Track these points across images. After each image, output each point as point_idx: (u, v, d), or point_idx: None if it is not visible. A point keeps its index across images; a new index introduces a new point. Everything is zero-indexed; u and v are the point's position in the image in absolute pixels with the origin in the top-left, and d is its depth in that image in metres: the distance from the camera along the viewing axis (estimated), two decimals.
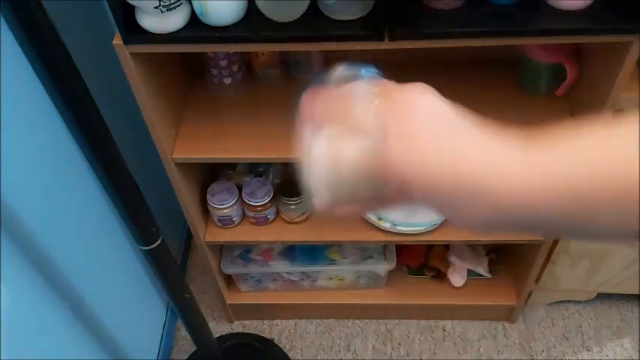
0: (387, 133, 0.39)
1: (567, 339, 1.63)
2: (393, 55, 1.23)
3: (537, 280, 1.51)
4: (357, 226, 1.34)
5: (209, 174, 1.39)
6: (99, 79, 0.96)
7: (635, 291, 1.58)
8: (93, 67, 0.93)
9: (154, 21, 0.87)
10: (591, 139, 0.35)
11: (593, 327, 1.65)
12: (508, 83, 1.20)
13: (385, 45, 0.89)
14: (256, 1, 0.88)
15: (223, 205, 1.31)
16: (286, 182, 1.35)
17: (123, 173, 0.85)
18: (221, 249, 1.52)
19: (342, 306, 1.64)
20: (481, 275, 1.60)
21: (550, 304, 1.68)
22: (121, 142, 0.82)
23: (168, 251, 1.02)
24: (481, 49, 0.93)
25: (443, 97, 0.42)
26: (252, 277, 1.58)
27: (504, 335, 1.64)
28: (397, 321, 1.68)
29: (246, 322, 1.70)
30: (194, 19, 0.88)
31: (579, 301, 1.68)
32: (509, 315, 1.64)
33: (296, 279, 1.58)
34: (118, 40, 0.89)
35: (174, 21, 0.87)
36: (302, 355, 1.63)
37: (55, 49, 0.66)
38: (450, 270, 1.59)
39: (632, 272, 1.49)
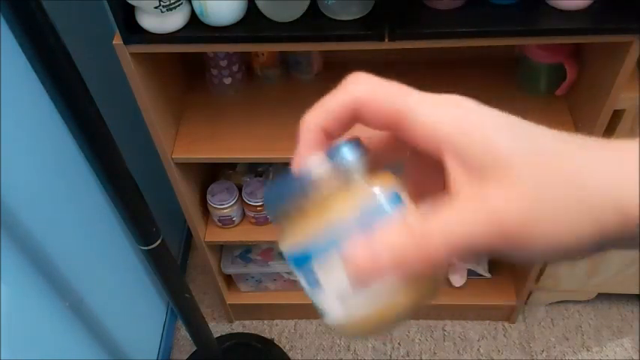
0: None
1: (567, 339, 1.63)
2: (393, 55, 1.23)
3: (537, 280, 1.51)
4: None
5: (209, 174, 1.39)
6: (99, 79, 0.96)
7: (635, 291, 1.58)
8: (93, 67, 0.93)
9: (153, 21, 0.87)
10: None
11: (593, 327, 1.65)
12: (508, 83, 1.20)
13: (385, 45, 0.89)
14: (256, 1, 0.88)
15: (223, 205, 1.31)
16: None
17: (123, 173, 0.85)
18: (221, 249, 1.52)
19: None
20: (481, 275, 1.60)
21: (550, 304, 1.68)
22: (121, 142, 0.82)
23: (168, 251, 1.02)
24: (481, 49, 0.93)
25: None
26: (252, 277, 1.58)
27: (504, 335, 1.64)
28: None
29: (246, 322, 1.70)
30: (194, 19, 0.88)
31: (579, 301, 1.68)
32: (509, 315, 1.64)
33: (296, 279, 1.58)
34: (118, 40, 0.89)
35: (174, 21, 0.87)
36: (302, 355, 1.63)
37: (55, 49, 0.66)
38: (449, 270, 1.59)
39: (632, 272, 1.49)
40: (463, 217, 0.27)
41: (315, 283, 0.29)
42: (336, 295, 0.28)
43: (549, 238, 0.26)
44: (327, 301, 0.28)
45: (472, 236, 0.26)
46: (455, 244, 0.26)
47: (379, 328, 0.29)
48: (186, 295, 1.15)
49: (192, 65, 1.23)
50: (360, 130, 0.31)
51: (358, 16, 0.89)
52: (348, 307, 0.28)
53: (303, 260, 0.29)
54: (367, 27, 0.88)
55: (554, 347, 1.62)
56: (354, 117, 0.30)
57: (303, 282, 0.29)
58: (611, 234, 0.26)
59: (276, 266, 1.50)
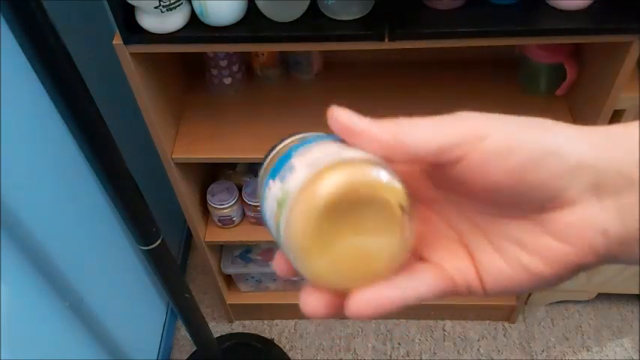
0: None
1: (567, 339, 1.63)
2: (393, 55, 1.23)
3: None
4: None
5: (209, 174, 1.39)
6: (99, 79, 0.96)
7: (635, 291, 1.58)
8: (93, 67, 0.93)
9: (153, 21, 0.86)
10: None
11: (593, 327, 1.65)
12: (508, 83, 1.20)
13: (385, 45, 0.89)
14: (256, 1, 0.88)
15: (223, 205, 1.31)
16: None
17: (123, 173, 0.85)
18: (221, 249, 1.52)
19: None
20: None
21: (550, 304, 1.68)
22: (121, 142, 0.82)
23: (168, 251, 1.02)
24: (481, 49, 0.93)
25: None
26: (252, 277, 1.58)
27: (504, 335, 1.64)
28: (397, 321, 1.68)
29: (246, 322, 1.70)
30: (194, 19, 0.88)
31: (579, 301, 1.68)
32: (509, 315, 1.64)
33: (296, 279, 1.58)
34: (118, 40, 0.89)
35: (174, 21, 0.87)
36: (302, 355, 1.63)
37: (55, 49, 0.66)
38: None
39: (632, 272, 1.49)
40: (437, 120, 0.29)
41: (289, 170, 0.29)
42: (307, 164, 0.29)
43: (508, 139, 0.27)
44: (296, 175, 0.29)
45: (444, 135, 0.28)
46: (427, 137, 0.28)
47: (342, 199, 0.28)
48: (186, 295, 1.15)
49: (192, 65, 1.23)
50: None
51: (358, 16, 0.89)
52: (316, 166, 0.28)
53: (284, 159, 0.30)
54: (367, 27, 0.88)
55: (554, 347, 1.62)
56: None
57: (275, 186, 0.30)
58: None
59: None
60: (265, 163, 0.32)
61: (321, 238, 0.28)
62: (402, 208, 0.29)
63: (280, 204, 0.29)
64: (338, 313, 0.30)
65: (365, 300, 0.29)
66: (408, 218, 0.29)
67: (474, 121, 0.28)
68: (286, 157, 0.30)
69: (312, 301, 0.30)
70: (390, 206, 0.28)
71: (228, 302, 1.61)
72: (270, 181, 0.30)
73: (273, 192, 0.30)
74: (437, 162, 0.28)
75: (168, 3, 0.83)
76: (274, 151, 0.32)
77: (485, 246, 0.30)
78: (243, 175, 1.37)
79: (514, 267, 0.29)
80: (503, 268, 0.30)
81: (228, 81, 1.20)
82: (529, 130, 0.28)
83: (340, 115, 0.29)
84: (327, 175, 0.28)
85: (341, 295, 0.29)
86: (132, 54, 0.91)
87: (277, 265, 0.32)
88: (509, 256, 0.29)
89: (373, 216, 0.28)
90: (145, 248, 0.97)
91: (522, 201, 0.28)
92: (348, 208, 0.28)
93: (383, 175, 0.28)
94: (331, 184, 0.27)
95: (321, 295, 0.30)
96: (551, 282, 0.29)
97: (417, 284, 0.30)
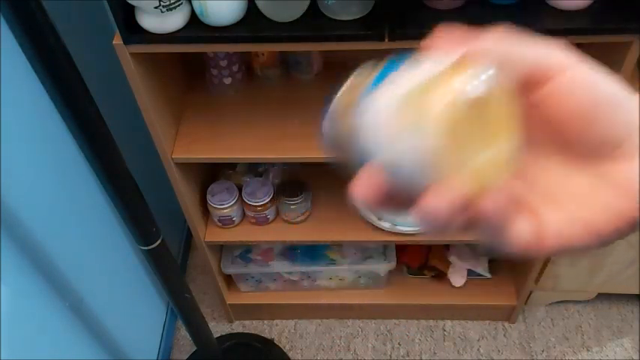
0: None
1: (567, 339, 1.63)
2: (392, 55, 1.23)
3: (537, 280, 1.51)
4: (357, 225, 1.34)
5: (209, 174, 1.39)
6: (99, 79, 0.96)
7: (635, 291, 1.58)
8: (93, 67, 0.93)
9: (153, 21, 0.87)
10: None
11: (593, 327, 1.65)
12: None
13: (385, 45, 0.89)
14: (256, 1, 0.88)
15: (223, 205, 1.31)
16: (286, 182, 1.35)
17: (123, 173, 0.85)
18: (221, 249, 1.52)
19: (342, 306, 1.64)
20: (481, 275, 1.60)
21: (550, 304, 1.68)
22: (121, 142, 0.82)
23: (168, 251, 1.02)
24: None
25: None
26: (252, 277, 1.58)
27: (504, 335, 1.64)
28: (397, 321, 1.68)
29: (246, 322, 1.70)
30: (194, 19, 0.88)
31: (579, 301, 1.68)
32: (509, 315, 1.64)
33: (296, 279, 1.58)
34: (118, 40, 0.89)
35: (174, 21, 0.87)
36: (302, 355, 1.63)
37: (55, 49, 0.66)
38: (450, 270, 1.59)
39: (632, 272, 1.49)
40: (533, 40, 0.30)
41: (413, 64, 0.29)
42: (433, 62, 0.29)
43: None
44: (426, 66, 0.29)
45: (540, 52, 0.30)
46: (527, 50, 0.30)
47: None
48: (186, 295, 1.16)
49: (192, 65, 1.23)
50: None
51: (358, 16, 0.89)
52: (445, 63, 0.28)
53: (392, 65, 0.30)
54: (367, 27, 0.88)
55: (554, 347, 1.62)
56: None
57: (393, 85, 0.29)
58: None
59: (276, 266, 1.50)
60: (352, 83, 0.32)
61: (455, 133, 0.27)
62: (510, 113, 0.29)
63: (410, 94, 0.28)
64: (384, 205, 0.30)
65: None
66: (513, 124, 0.29)
67: (561, 52, 0.30)
68: (396, 63, 0.30)
69: (363, 188, 0.29)
70: (501, 108, 0.28)
71: (228, 302, 1.61)
72: (376, 89, 0.30)
73: (391, 91, 0.29)
74: (531, 76, 0.29)
75: (168, 3, 0.83)
76: (366, 71, 0.32)
77: (547, 203, 0.30)
78: (243, 175, 1.37)
79: (574, 222, 0.30)
80: (563, 224, 0.30)
81: (228, 81, 1.20)
82: (606, 76, 0.31)
83: (448, 33, 0.30)
84: (465, 64, 0.28)
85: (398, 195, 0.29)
86: (132, 54, 0.91)
87: (360, 189, 0.29)
88: (569, 211, 0.30)
89: (486, 121, 0.28)
90: (145, 248, 0.97)
91: (593, 140, 0.30)
92: (472, 112, 0.27)
93: (499, 77, 0.28)
94: (468, 78, 0.27)
95: (373, 183, 0.29)
96: (611, 236, 0.30)
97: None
